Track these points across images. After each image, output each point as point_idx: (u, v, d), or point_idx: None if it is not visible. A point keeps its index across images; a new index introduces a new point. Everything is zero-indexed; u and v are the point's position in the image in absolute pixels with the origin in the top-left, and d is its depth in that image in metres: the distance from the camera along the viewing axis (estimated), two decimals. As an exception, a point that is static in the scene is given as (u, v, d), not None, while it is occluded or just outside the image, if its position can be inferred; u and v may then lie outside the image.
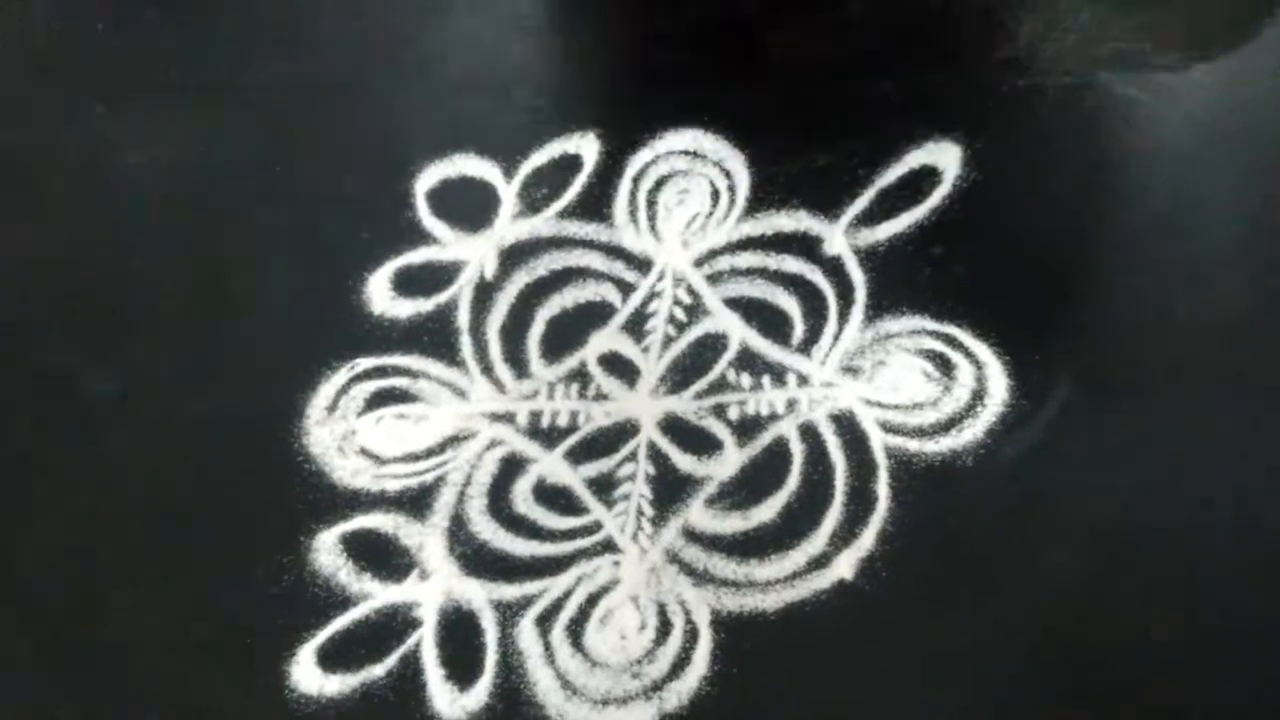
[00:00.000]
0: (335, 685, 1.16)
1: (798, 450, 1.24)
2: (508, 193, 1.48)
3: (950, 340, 1.28)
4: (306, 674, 1.17)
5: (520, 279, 1.41)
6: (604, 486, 1.25)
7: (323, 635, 1.19)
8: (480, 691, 1.14)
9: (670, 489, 1.24)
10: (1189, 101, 1.39)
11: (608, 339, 1.35)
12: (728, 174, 1.44)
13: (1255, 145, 1.34)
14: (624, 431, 1.29)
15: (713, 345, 1.32)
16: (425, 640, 1.18)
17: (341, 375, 1.36)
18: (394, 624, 1.19)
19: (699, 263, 1.38)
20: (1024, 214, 1.35)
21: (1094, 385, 1.22)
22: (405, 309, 1.41)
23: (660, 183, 1.45)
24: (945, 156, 1.40)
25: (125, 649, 1.21)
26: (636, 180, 1.45)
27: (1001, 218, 1.35)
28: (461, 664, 1.16)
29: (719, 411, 1.28)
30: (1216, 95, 1.38)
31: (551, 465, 1.28)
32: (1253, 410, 1.19)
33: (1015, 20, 1.48)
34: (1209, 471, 1.16)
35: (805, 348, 1.30)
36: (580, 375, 1.33)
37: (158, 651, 1.21)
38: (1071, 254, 1.33)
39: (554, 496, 1.26)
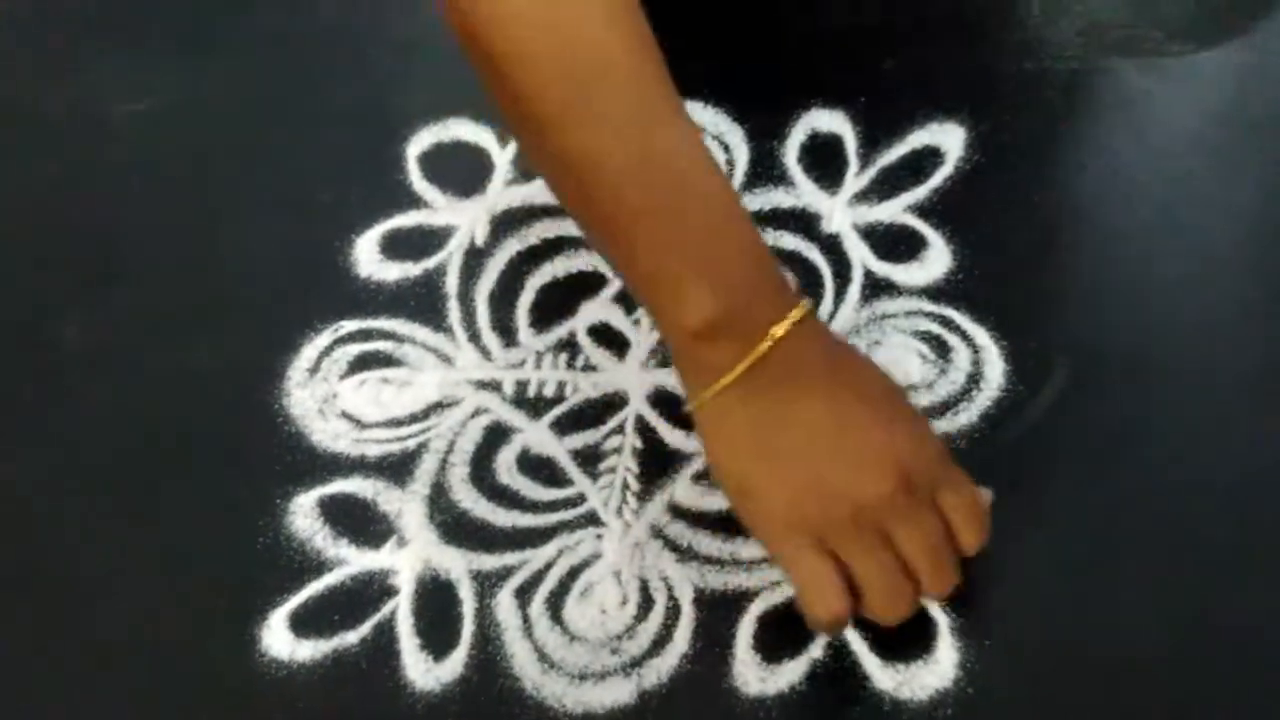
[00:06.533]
0: (307, 650, 1.13)
1: (788, 429, 1.21)
2: (501, 159, 1.46)
3: (947, 322, 1.26)
4: (278, 638, 1.14)
5: (511, 246, 1.39)
6: (589, 459, 1.23)
7: (296, 600, 1.17)
8: (455, 662, 1.11)
9: (657, 463, 1.22)
10: (1199, 91, 1.37)
11: (598, 309, 1.33)
12: (726, 147, 1.42)
13: (1265, 139, 1.33)
14: (611, 404, 1.26)
15: (705, 320, 1.30)
16: (401, 608, 1.15)
17: (325, 337, 1.34)
18: (370, 591, 1.17)
19: (694, 235, 1.35)
20: (1026, 199, 1.33)
21: (1091, 373, 1.21)
22: (393, 272, 1.39)
23: (657, 154, 1.42)
24: (948, 137, 1.38)
25: (93, 606, 1.18)
26: (633, 151, 1.42)
27: (1003, 202, 1.34)
28: (437, 634, 1.14)
29: (709, 387, 1.25)
30: (1227, 86, 1.36)
31: (536, 435, 1.25)
32: (1254, 407, 1.17)
33: (1025, 2, 1.46)
34: (1204, 466, 1.14)
35: (800, 325, 1.27)
36: (569, 345, 1.31)
37: (125, 608, 1.18)
38: (1072, 241, 1.32)
39: (538, 467, 1.23)
